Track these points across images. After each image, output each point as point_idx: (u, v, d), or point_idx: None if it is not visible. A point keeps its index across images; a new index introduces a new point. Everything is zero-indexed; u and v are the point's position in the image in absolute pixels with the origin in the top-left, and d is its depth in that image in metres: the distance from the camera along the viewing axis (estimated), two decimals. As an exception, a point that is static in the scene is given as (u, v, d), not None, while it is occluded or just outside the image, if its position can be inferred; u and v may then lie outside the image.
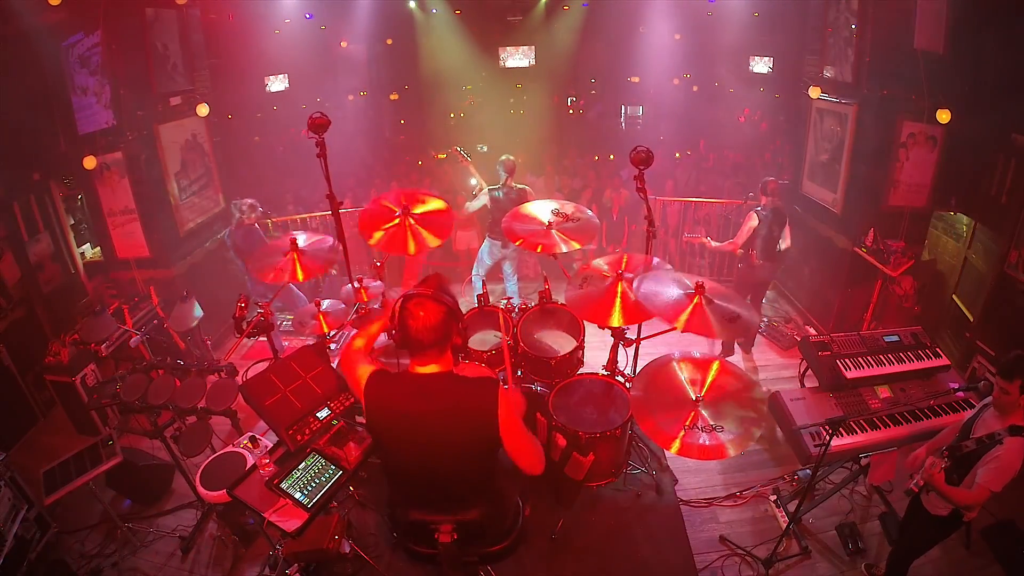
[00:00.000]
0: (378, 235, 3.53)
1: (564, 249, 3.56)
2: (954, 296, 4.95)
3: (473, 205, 5.41)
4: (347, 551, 2.98)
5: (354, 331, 3.83)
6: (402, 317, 1.95)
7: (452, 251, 7.36)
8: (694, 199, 7.29)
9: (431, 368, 2.01)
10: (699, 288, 2.85)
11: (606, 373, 3.63)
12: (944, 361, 3.77)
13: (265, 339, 3.69)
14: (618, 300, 3.16)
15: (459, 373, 2.08)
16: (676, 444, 2.63)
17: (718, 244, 5.12)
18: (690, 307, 2.82)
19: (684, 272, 3.34)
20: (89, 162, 4.79)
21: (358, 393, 2.07)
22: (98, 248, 5.52)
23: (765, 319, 5.90)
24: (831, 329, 5.53)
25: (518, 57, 10.26)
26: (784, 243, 5.01)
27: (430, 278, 2.05)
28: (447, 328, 1.96)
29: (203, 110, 5.68)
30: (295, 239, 3.67)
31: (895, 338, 3.87)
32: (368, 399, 2.02)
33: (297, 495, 2.58)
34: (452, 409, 1.97)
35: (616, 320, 3.11)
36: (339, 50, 9.22)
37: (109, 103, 4.90)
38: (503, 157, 5.26)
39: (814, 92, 5.65)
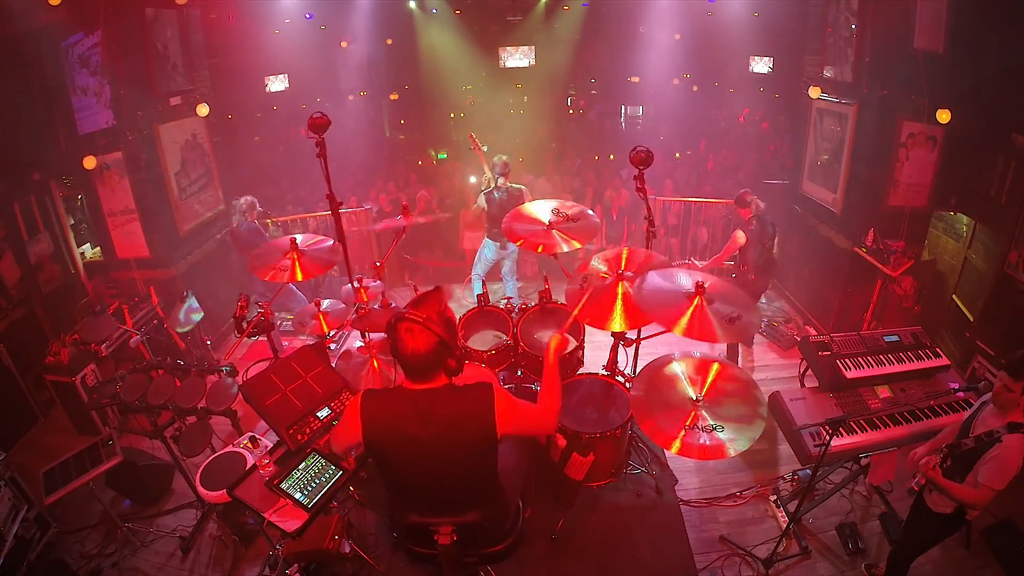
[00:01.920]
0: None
1: (565, 248, 3.56)
2: (954, 296, 4.95)
3: (475, 208, 5.40)
4: (347, 551, 2.98)
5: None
6: (393, 338, 1.92)
7: (457, 251, 7.35)
8: (694, 199, 7.29)
9: (424, 385, 2.00)
10: (699, 288, 2.84)
11: (606, 373, 3.63)
12: (944, 361, 3.77)
13: (265, 339, 3.69)
14: (619, 303, 3.16)
15: (456, 382, 2.06)
16: (676, 444, 2.63)
17: (704, 264, 5.04)
18: (690, 310, 2.75)
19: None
20: (89, 162, 4.79)
21: (352, 426, 2.01)
22: (98, 248, 5.52)
23: (765, 319, 5.90)
24: (831, 329, 5.52)
25: (518, 57, 10.27)
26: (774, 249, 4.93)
27: (430, 297, 2.00)
28: (437, 357, 1.93)
29: (203, 110, 5.68)
30: (294, 239, 3.67)
31: (895, 338, 3.87)
32: (364, 420, 1.99)
33: (297, 495, 2.57)
34: (449, 426, 1.96)
35: (618, 324, 3.10)
36: (339, 50, 9.22)
37: (109, 103, 4.89)
38: (495, 159, 5.24)
39: (814, 92, 5.65)
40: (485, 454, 2.04)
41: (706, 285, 2.79)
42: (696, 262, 5.01)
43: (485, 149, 5.28)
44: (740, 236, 4.64)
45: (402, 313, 1.93)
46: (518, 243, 3.66)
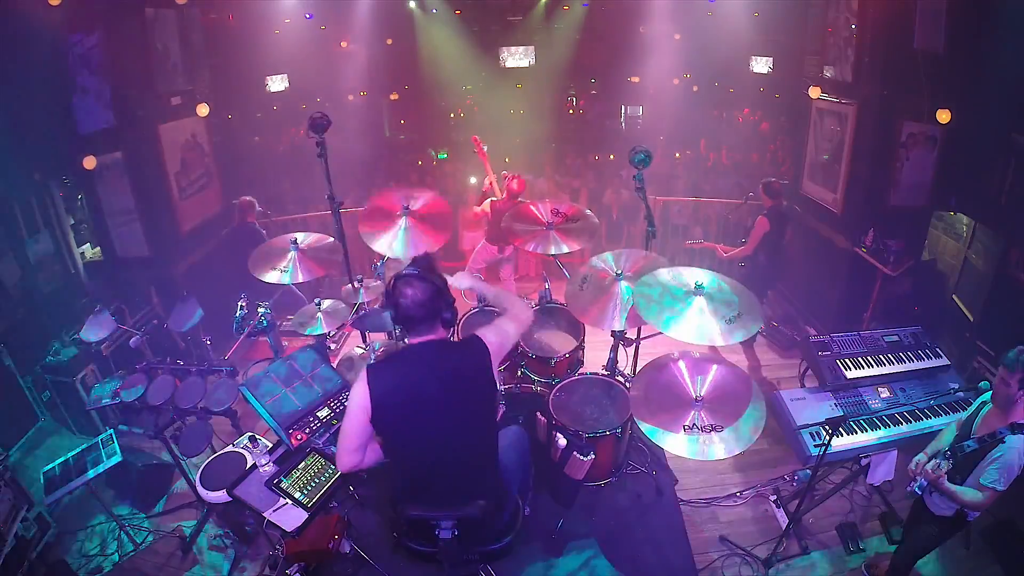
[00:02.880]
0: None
1: (566, 249, 3.57)
2: (954, 296, 4.94)
3: (479, 209, 5.37)
4: (347, 551, 2.98)
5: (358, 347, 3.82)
6: (394, 296, 2.07)
7: (457, 251, 7.36)
8: (693, 199, 7.29)
9: (425, 337, 2.13)
10: (699, 290, 2.84)
11: (606, 373, 3.63)
12: (944, 361, 3.78)
13: (265, 339, 3.70)
14: (620, 303, 3.16)
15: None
16: (676, 444, 2.63)
17: (729, 253, 5.09)
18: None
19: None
20: (89, 162, 4.78)
21: (361, 403, 2.08)
22: (98, 248, 5.52)
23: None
24: (831, 329, 5.51)
25: (518, 57, 10.26)
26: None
27: (419, 258, 2.18)
28: (435, 303, 2.08)
29: (203, 110, 5.68)
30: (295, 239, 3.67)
31: (895, 338, 3.87)
32: (372, 386, 2.06)
33: (297, 495, 2.58)
34: (454, 371, 2.10)
35: (620, 323, 3.10)
36: (339, 50, 9.23)
37: (109, 103, 4.90)
38: (512, 178, 5.15)
39: (814, 92, 5.65)
40: (488, 403, 2.17)
41: (705, 285, 2.80)
42: (720, 251, 5.10)
43: (486, 149, 5.28)
44: (766, 223, 4.81)
45: (400, 272, 2.11)
46: (517, 245, 3.67)
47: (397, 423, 2.10)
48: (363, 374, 2.09)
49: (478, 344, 2.15)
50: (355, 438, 2.12)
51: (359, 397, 2.07)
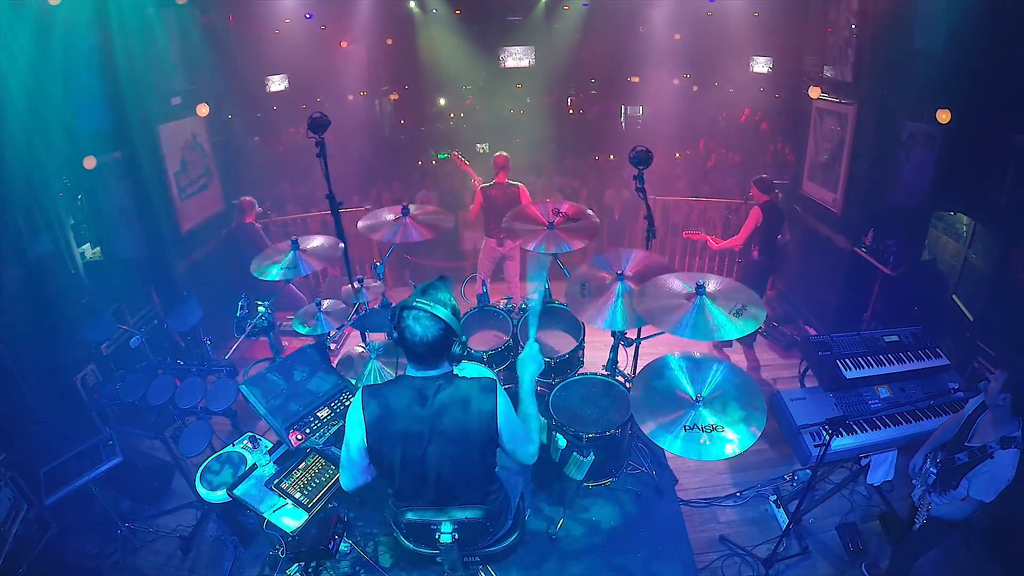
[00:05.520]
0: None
1: (567, 248, 3.57)
2: (954, 296, 4.94)
3: (473, 208, 5.46)
4: (347, 551, 2.98)
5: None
6: (399, 326, 1.95)
7: (458, 251, 7.38)
8: (694, 198, 7.30)
9: (428, 372, 2.02)
10: (699, 288, 2.84)
11: (606, 373, 3.63)
12: (944, 361, 3.78)
13: (265, 339, 3.70)
14: (620, 302, 3.16)
15: (457, 373, 2.07)
16: (676, 444, 2.63)
17: (719, 244, 5.16)
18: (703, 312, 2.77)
19: (684, 271, 3.33)
20: (89, 162, 4.79)
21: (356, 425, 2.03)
22: (98, 248, 5.52)
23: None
24: (831, 329, 5.52)
25: (518, 57, 10.27)
26: (781, 236, 5.06)
27: (434, 284, 2.05)
28: (443, 343, 1.96)
29: (203, 110, 5.68)
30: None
31: (895, 338, 3.88)
32: (367, 412, 2.00)
33: (297, 495, 2.58)
34: (455, 413, 1.98)
35: (619, 323, 3.10)
36: (339, 50, 9.23)
37: (109, 103, 4.90)
38: (495, 154, 5.30)
39: (814, 92, 5.65)
40: (487, 445, 2.05)
41: (707, 285, 2.80)
42: (713, 241, 5.14)
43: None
44: (758, 212, 4.87)
45: (408, 301, 1.96)
46: (517, 243, 3.67)
47: (391, 450, 2.02)
48: (359, 396, 2.03)
49: (489, 390, 2.00)
50: (358, 460, 2.06)
51: (355, 421, 2.01)
